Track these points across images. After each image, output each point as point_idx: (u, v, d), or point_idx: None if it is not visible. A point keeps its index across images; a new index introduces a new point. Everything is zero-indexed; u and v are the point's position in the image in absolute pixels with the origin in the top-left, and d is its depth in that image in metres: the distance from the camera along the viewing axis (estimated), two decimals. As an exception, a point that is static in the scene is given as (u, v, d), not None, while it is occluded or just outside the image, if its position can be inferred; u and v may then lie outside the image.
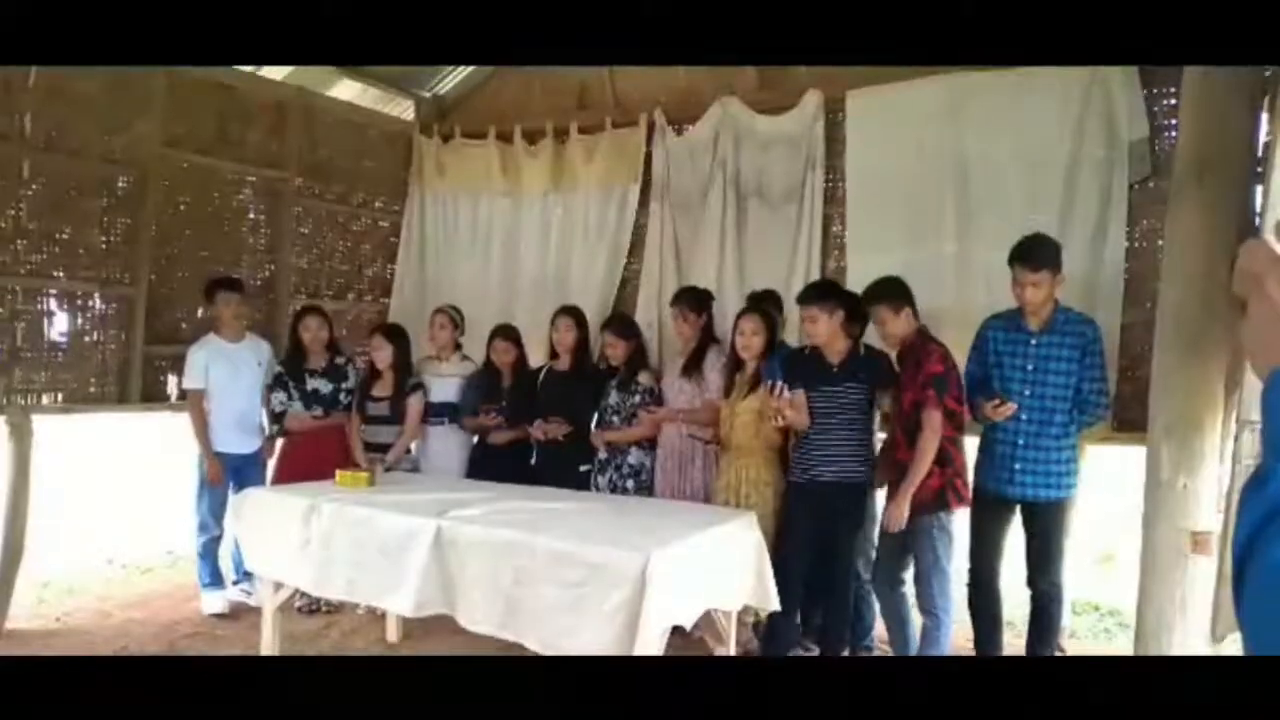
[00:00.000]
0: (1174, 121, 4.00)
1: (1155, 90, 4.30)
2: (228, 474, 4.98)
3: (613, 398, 4.74)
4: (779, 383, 3.87)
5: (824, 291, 4.09)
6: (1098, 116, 4.34)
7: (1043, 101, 4.45)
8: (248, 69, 5.66)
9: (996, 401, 3.69)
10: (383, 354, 5.04)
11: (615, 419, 4.73)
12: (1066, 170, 4.40)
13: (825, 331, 3.95)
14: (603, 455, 4.74)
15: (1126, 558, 4.74)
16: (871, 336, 4.17)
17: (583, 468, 4.78)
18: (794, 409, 3.91)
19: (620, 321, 4.94)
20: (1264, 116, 3.12)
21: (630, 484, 4.63)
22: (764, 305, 4.54)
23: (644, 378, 4.73)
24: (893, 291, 3.94)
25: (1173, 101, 4.16)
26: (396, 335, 5.14)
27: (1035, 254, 3.67)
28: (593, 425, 4.86)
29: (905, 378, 3.89)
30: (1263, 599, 0.62)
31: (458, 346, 5.35)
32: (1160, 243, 3.75)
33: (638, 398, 4.67)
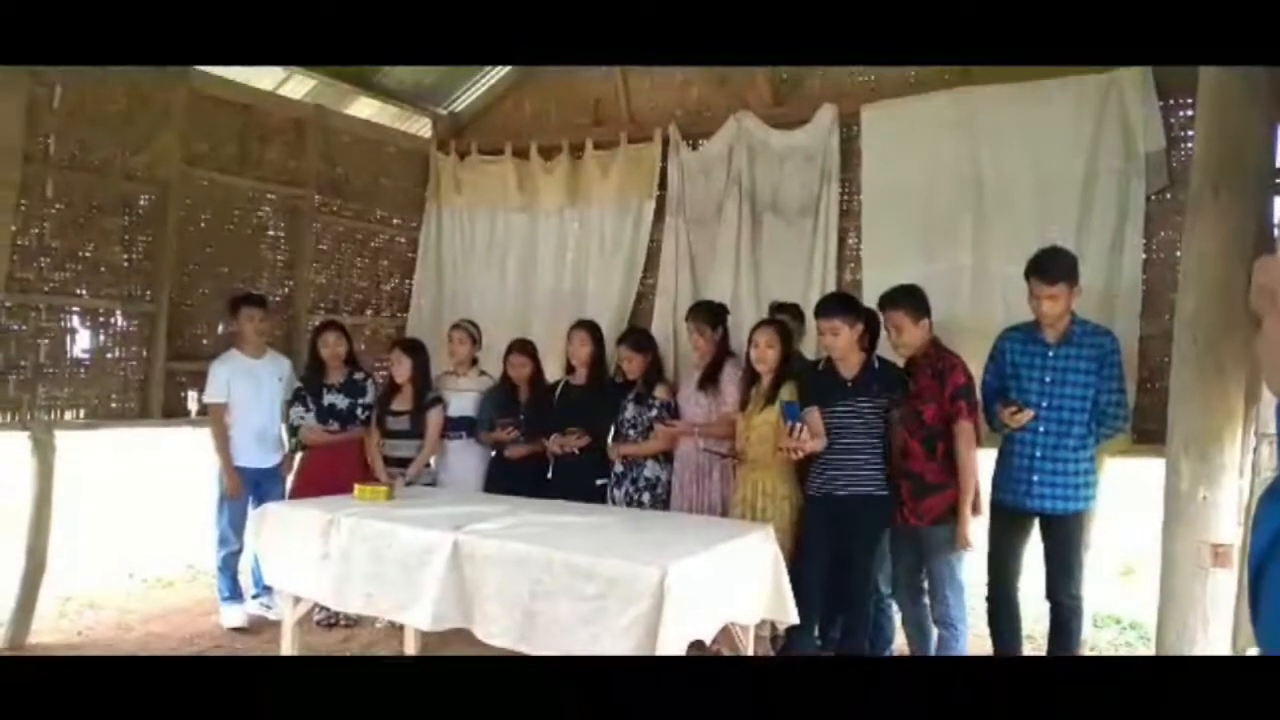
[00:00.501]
0: (1190, 133, 3.98)
1: (1172, 101, 4.29)
2: (248, 488, 5.02)
3: (629, 411, 4.75)
4: (798, 424, 3.86)
5: (846, 304, 4.08)
6: (1114, 128, 4.33)
7: (1058, 113, 4.44)
8: (267, 86, 5.73)
9: (1014, 409, 3.67)
10: (401, 368, 5.08)
11: (631, 432, 4.73)
12: (1083, 182, 4.40)
13: (845, 344, 3.95)
14: (619, 468, 4.74)
15: (1148, 571, 4.70)
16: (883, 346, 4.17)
17: (599, 481, 4.78)
18: (811, 436, 3.90)
19: (637, 335, 4.95)
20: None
21: (646, 497, 4.63)
22: (781, 317, 4.55)
23: (660, 391, 4.74)
24: (913, 299, 3.93)
25: (1189, 113, 4.15)
26: (414, 350, 5.18)
27: (1052, 267, 3.66)
28: (609, 439, 4.87)
29: (925, 389, 3.87)
30: (1278, 608, 0.62)
31: (475, 361, 5.38)
32: (1178, 254, 3.74)
33: (654, 411, 4.67)
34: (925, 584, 4.03)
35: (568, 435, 4.79)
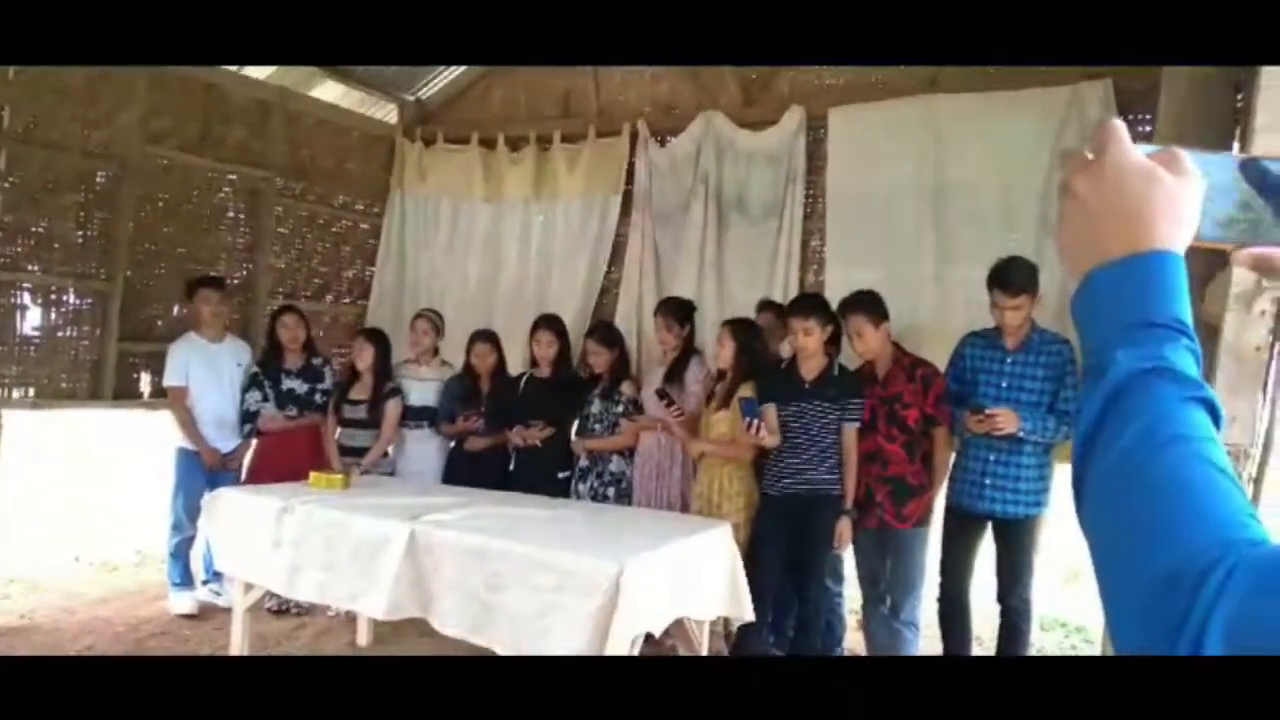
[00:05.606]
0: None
1: (1132, 115, 4.37)
2: (204, 473, 4.94)
3: (595, 406, 4.74)
4: (757, 422, 3.88)
5: (821, 304, 4.12)
6: (1075, 139, 4.40)
7: (1021, 124, 4.52)
8: (231, 67, 5.64)
9: (979, 417, 3.71)
10: (364, 356, 5.03)
11: (597, 427, 4.73)
12: (1044, 191, 4.46)
13: (815, 345, 3.98)
14: (584, 463, 4.74)
15: (1092, 575, 4.79)
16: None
17: (561, 474, 4.78)
18: (768, 432, 3.93)
19: (604, 330, 4.94)
20: (1235, 146, 3.18)
21: (611, 492, 4.64)
22: (760, 316, 4.60)
23: (627, 387, 4.73)
24: (873, 304, 3.96)
25: (1148, 128, 4.22)
26: (378, 339, 5.14)
27: (1014, 278, 3.70)
28: (573, 433, 4.86)
29: (905, 393, 3.91)
30: (1103, 492, 0.63)
31: (436, 351, 5.35)
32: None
33: (620, 407, 4.67)
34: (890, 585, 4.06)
35: (531, 428, 4.78)
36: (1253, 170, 0.73)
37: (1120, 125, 0.71)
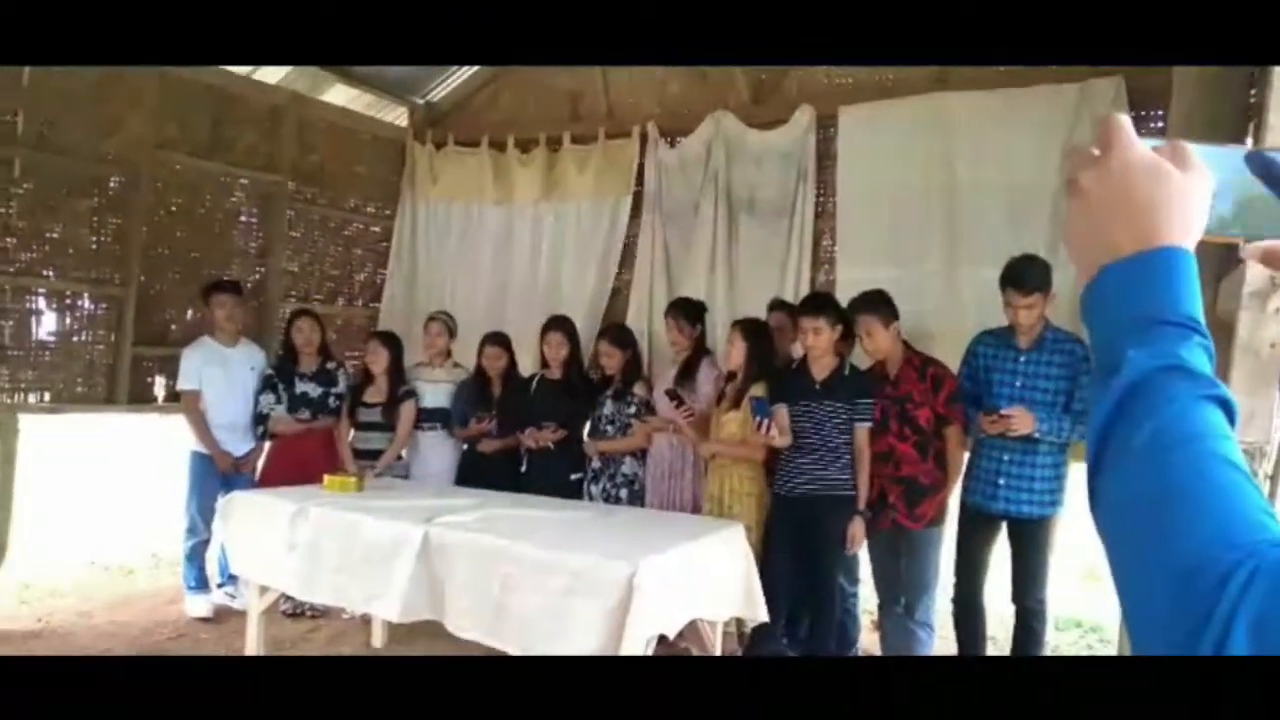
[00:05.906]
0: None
1: (1144, 112, 4.35)
2: (218, 476, 4.97)
3: (608, 408, 4.74)
4: (768, 421, 3.88)
5: (830, 304, 4.12)
6: (1087, 134, 4.38)
7: (1033, 119, 4.49)
8: (242, 71, 5.66)
9: (993, 418, 3.69)
10: (378, 359, 5.05)
11: (610, 429, 4.73)
12: (1055, 189, 4.44)
13: (825, 344, 3.98)
14: (596, 465, 4.74)
15: (1109, 574, 4.76)
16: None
17: (574, 476, 4.78)
18: (779, 432, 3.93)
19: (617, 331, 4.93)
20: (1249, 141, 3.16)
21: (624, 493, 4.64)
22: (771, 316, 4.59)
23: (639, 388, 4.73)
24: (883, 304, 3.96)
25: (1160, 124, 4.21)
26: (391, 342, 5.16)
27: (1028, 277, 3.68)
28: (585, 434, 4.86)
29: (915, 392, 3.91)
30: (1118, 492, 0.62)
31: (449, 353, 5.36)
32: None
33: (633, 408, 4.67)
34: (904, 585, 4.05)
35: (543, 430, 4.78)
36: (1260, 162, 0.72)
37: (1125, 119, 0.70)
